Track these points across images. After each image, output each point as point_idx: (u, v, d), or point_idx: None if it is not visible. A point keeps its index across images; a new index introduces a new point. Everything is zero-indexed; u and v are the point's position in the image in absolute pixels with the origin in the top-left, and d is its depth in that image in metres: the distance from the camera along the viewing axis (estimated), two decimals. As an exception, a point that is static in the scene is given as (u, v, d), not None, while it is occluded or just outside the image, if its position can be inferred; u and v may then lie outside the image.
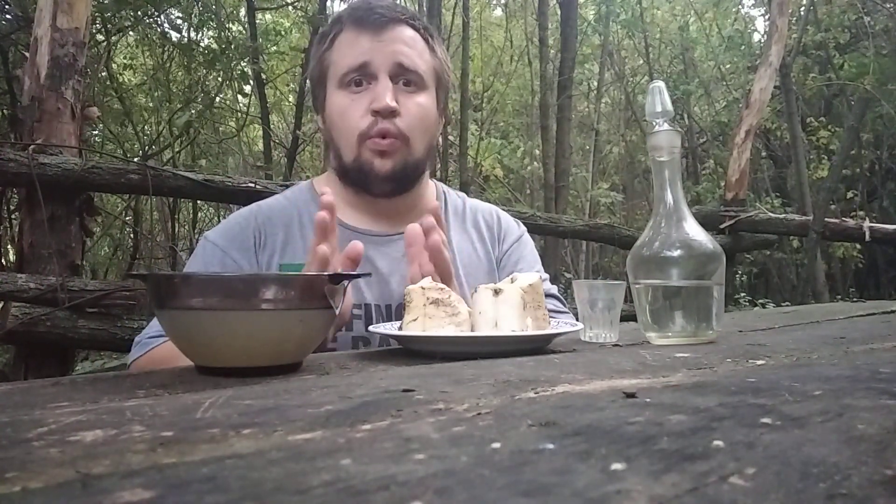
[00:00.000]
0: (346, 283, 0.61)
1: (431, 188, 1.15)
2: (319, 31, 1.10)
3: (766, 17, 7.65)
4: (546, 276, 1.16)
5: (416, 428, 0.32)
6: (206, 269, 0.99)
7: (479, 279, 1.07)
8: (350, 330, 0.97)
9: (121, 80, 5.94)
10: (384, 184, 1.01)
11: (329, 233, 0.79)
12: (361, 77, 1.00)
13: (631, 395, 0.39)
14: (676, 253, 0.74)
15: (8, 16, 4.03)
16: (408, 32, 1.02)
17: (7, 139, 3.08)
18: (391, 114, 0.98)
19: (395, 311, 0.99)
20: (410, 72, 1.01)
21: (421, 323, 0.70)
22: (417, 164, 1.03)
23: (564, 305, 1.14)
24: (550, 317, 1.06)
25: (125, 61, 6.49)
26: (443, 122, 1.13)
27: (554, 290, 1.15)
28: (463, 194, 1.22)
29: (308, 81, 1.18)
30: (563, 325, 0.79)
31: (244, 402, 0.40)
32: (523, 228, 1.20)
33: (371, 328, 0.79)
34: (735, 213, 4.01)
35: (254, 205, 1.09)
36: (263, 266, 1.01)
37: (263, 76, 6.13)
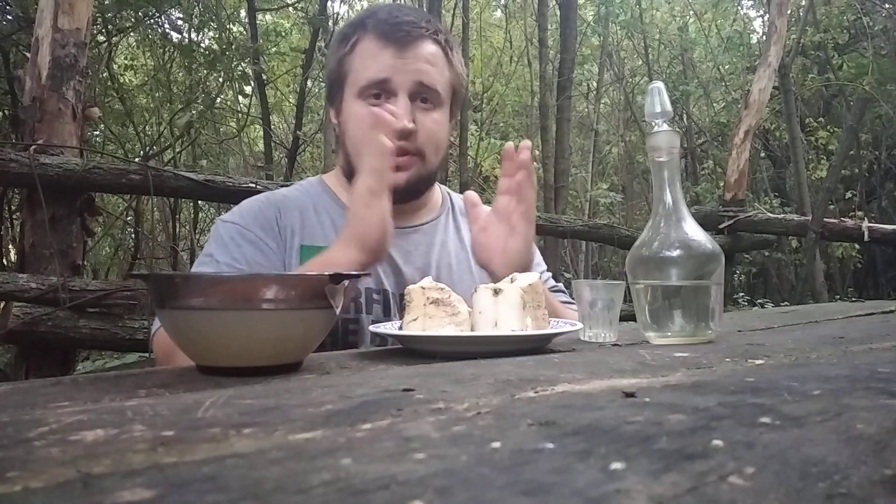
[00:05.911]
0: (346, 282, 0.61)
1: (437, 190, 1.20)
2: (341, 31, 1.09)
3: (765, 17, 7.66)
4: (549, 273, 1.22)
5: (416, 427, 0.32)
6: (232, 244, 0.98)
7: None
8: (370, 314, 0.99)
9: (122, 80, 5.94)
10: (396, 194, 1.03)
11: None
12: (381, 91, 1.00)
13: (630, 395, 0.39)
14: (675, 253, 0.74)
15: (9, 16, 4.03)
16: (430, 48, 1.02)
17: (8, 139, 3.08)
18: (408, 133, 0.99)
19: None
20: (430, 90, 1.01)
21: (421, 323, 0.70)
22: (431, 175, 1.07)
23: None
24: (564, 305, 1.09)
25: (126, 62, 6.48)
26: (455, 130, 1.15)
27: (560, 285, 1.20)
28: None
29: (326, 76, 1.17)
30: (562, 324, 0.79)
31: (245, 402, 0.40)
32: None
33: (371, 328, 0.79)
34: (734, 214, 4.02)
35: (264, 193, 1.09)
36: (287, 243, 1.01)
37: (264, 77, 6.13)
